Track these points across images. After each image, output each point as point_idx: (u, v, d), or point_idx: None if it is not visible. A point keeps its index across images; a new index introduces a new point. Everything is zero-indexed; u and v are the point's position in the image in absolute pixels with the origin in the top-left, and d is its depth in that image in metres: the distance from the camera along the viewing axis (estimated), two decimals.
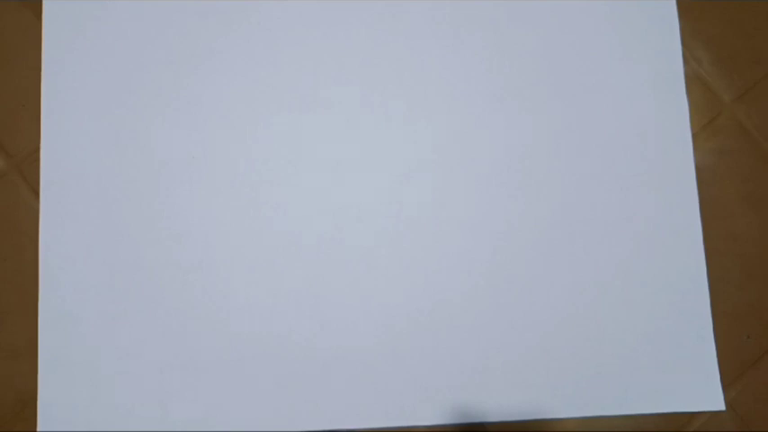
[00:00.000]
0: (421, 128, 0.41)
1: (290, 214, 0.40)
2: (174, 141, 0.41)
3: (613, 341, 0.39)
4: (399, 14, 0.42)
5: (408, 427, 0.39)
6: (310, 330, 0.39)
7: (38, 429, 0.38)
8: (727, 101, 0.43)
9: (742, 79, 0.43)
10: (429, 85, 0.41)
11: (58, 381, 0.39)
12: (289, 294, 0.39)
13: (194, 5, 0.42)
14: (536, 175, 0.41)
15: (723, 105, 0.43)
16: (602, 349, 0.39)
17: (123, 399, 0.38)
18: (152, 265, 0.39)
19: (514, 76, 0.42)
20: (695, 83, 0.42)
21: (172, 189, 0.40)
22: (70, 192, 0.40)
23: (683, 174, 0.41)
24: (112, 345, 0.39)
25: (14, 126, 0.41)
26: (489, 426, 0.39)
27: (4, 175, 0.41)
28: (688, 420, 0.39)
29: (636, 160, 0.41)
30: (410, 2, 0.42)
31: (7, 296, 0.40)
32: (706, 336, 0.40)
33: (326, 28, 0.42)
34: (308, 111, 0.41)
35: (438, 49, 0.42)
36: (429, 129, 0.41)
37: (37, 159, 0.41)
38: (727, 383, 0.40)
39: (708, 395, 0.39)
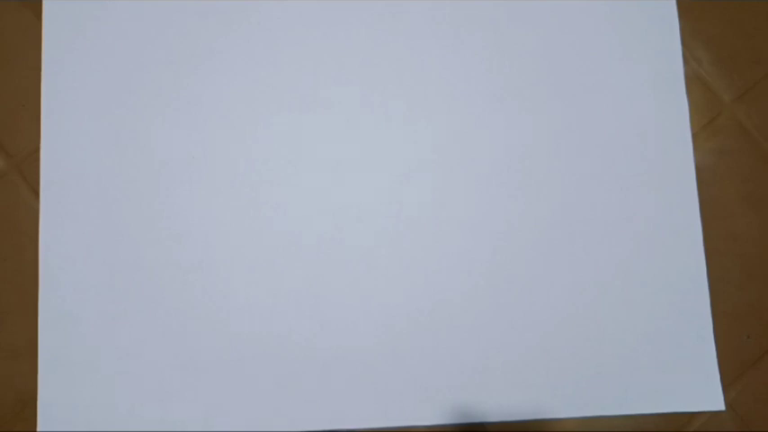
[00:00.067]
0: (421, 128, 0.41)
1: (290, 214, 0.40)
2: (174, 141, 0.41)
3: (613, 341, 0.39)
4: (399, 14, 0.42)
5: (408, 427, 0.39)
6: (310, 330, 0.39)
7: (38, 429, 0.38)
8: (727, 101, 0.43)
9: (742, 79, 0.43)
10: (429, 85, 0.41)
11: (58, 381, 0.39)
12: (289, 294, 0.39)
13: (194, 5, 0.42)
14: (536, 175, 0.41)
15: (723, 105, 0.43)
16: (602, 349, 0.39)
17: (123, 399, 0.38)
18: (152, 265, 0.39)
19: (514, 76, 0.42)
20: (695, 83, 0.42)
21: (172, 189, 0.40)
22: (70, 192, 0.40)
23: (683, 174, 0.41)
24: (112, 345, 0.39)
25: (14, 126, 0.41)
26: (489, 426, 0.39)
27: (4, 175, 0.41)
28: (688, 420, 0.39)
29: (636, 160, 0.41)
30: (410, 2, 0.42)
31: (7, 296, 0.40)
32: (706, 336, 0.40)
33: (326, 28, 0.42)
34: (308, 111, 0.41)
35: (438, 49, 0.42)
36: (429, 129, 0.41)
37: (37, 159, 0.41)
38: (727, 383, 0.40)
39: (708, 395, 0.39)
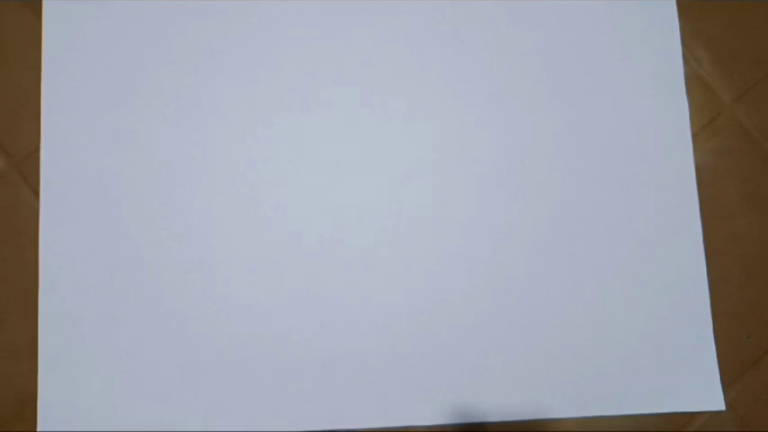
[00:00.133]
0: (421, 128, 0.41)
1: (290, 214, 0.40)
2: (174, 141, 0.41)
3: (613, 341, 0.39)
4: (399, 14, 0.42)
5: (408, 427, 0.39)
6: (310, 330, 0.39)
7: (38, 429, 0.38)
8: (727, 101, 0.43)
9: (742, 79, 0.43)
10: (429, 85, 0.41)
11: (58, 381, 0.39)
12: (289, 294, 0.39)
13: (194, 5, 0.42)
14: (536, 175, 0.41)
15: (723, 105, 0.43)
16: (602, 349, 0.39)
17: (123, 399, 0.38)
18: (152, 265, 0.39)
19: (514, 76, 0.42)
20: (695, 83, 0.42)
21: (172, 189, 0.40)
22: (70, 192, 0.40)
23: (683, 174, 0.41)
24: (112, 345, 0.39)
25: (14, 126, 0.41)
26: (489, 426, 0.39)
27: (4, 175, 0.41)
28: (688, 420, 0.39)
29: (636, 160, 0.41)
30: (410, 2, 0.42)
31: (7, 296, 0.40)
32: (706, 336, 0.40)
33: (326, 28, 0.42)
34: (308, 111, 0.41)
35: (438, 49, 0.42)
36: (429, 129, 0.41)
37: (37, 159, 0.41)
38: (727, 383, 0.40)
39: (708, 395, 0.39)
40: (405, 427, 0.39)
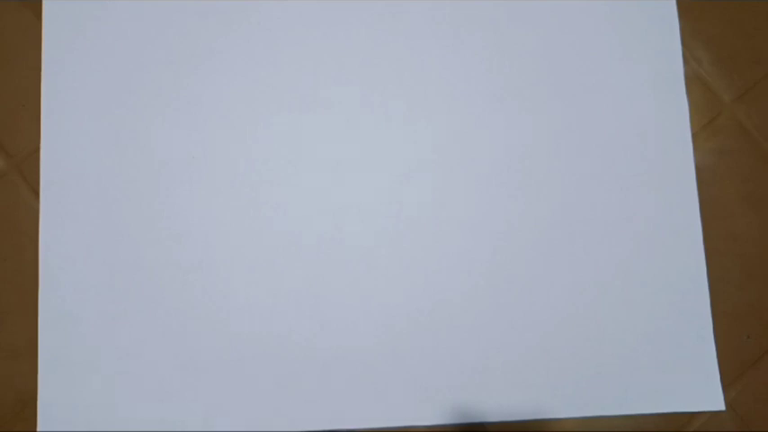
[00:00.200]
0: (421, 128, 0.41)
1: (290, 214, 0.40)
2: (174, 141, 0.41)
3: (613, 341, 0.39)
4: (399, 14, 0.42)
5: (408, 427, 0.39)
6: (310, 330, 0.39)
7: (38, 429, 0.38)
8: (727, 101, 0.43)
9: (742, 79, 0.43)
10: (429, 85, 0.41)
11: (58, 381, 0.39)
12: (289, 294, 0.39)
13: (194, 5, 0.42)
14: (536, 175, 0.41)
15: (723, 105, 0.43)
16: (602, 349, 0.39)
17: (123, 399, 0.38)
18: (152, 265, 0.39)
19: (514, 76, 0.42)
20: (695, 83, 0.42)
21: (172, 189, 0.40)
22: (70, 192, 0.40)
23: (683, 174, 0.41)
24: (112, 345, 0.39)
25: (14, 126, 0.41)
26: (489, 426, 0.39)
27: (4, 175, 0.41)
28: (688, 420, 0.39)
29: (636, 160, 0.41)
30: (410, 2, 0.42)
31: (7, 296, 0.40)
32: (706, 336, 0.40)
33: (326, 28, 0.42)
34: (308, 111, 0.41)
35: (438, 49, 0.42)
36: (429, 129, 0.41)
37: (37, 159, 0.41)
38: (727, 383, 0.40)
39: (708, 395, 0.39)
40: (405, 427, 0.39)
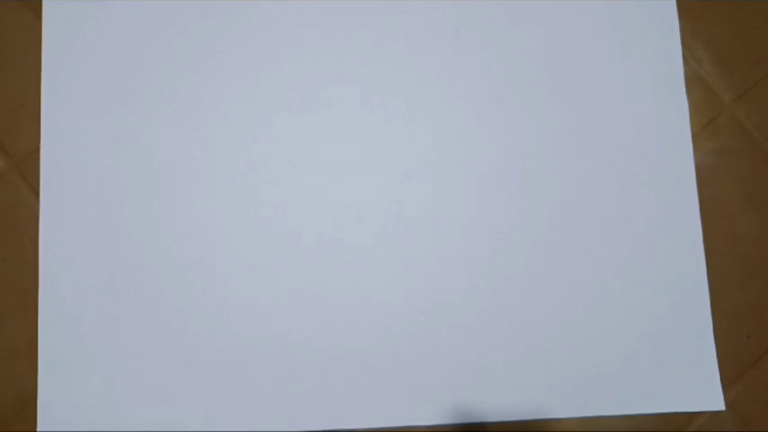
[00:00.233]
0: (421, 128, 0.41)
1: (290, 214, 0.40)
2: (174, 141, 0.41)
3: (613, 341, 0.39)
4: (399, 14, 0.42)
5: (408, 427, 0.39)
6: (310, 330, 0.39)
7: (38, 429, 0.38)
8: (727, 101, 0.43)
9: (742, 79, 0.43)
10: (429, 85, 0.41)
11: (58, 381, 0.39)
12: (289, 294, 0.39)
13: (194, 5, 0.42)
14: (536, 175, 0.41)
15: (723, 105, 0.43)
16: (602, 349, 0.39)
17: (123, 399, 0.38)
18: (152, 265, 0.39)
19: (514, 76, 0.42)
20: (695, 83, 0.42)
21: (172, 189, 0.40)
22: (70, 192, 0.40)
23: (683, 174, 0.41)
24: (112, 345, 0.39)
25: (14, 126, 0.41)
26: (489, 426, 0.39)
27: (4, 175, 0.41)
28: (688, 420, 0.39)
29: (636, 160, 0.41)
30: (410, 2, 0.42)
31: (7, 296, 0.40)
32: (706, 336, 0.40)
33: (326, 28, 0.42)
34: (308, 111, 0.41)
35: (438, 49, 0.42)
36: (429, 129, 0.41)
37: (37, 159, 0.41)
38: (727, 383, 0.40)
39: (708, 395, 0.39)
40: (405, 427, 0.39)
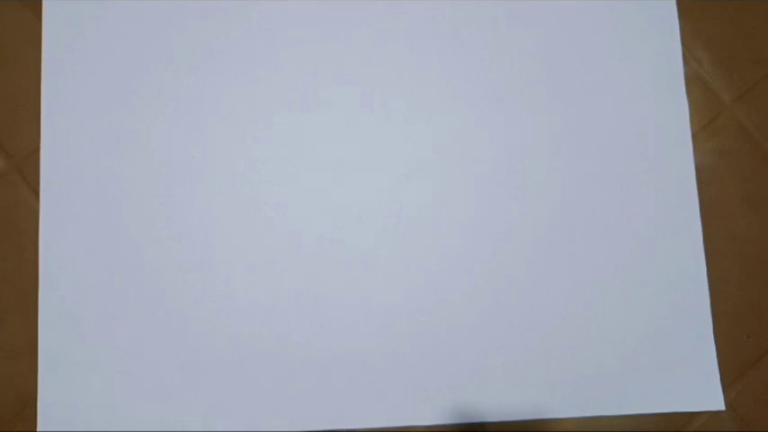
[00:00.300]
0: (421, 128, 0.41)
1: (290, 214, 0.40)
2: (174, 141, 0.41)
3: (613, 341, 0.39)
4: (399, 14, 0.42)
5: (408, 427, 0.39)
6: (310, 330, 0.39)
7: (38, 429, 0.38)
8: (727, 101, 0.43)
9: (742, 79, 0.43)
10: (429, 85, 0.41)
11: (58, 381, 0.39)
12: (289, 294, 0.39)
13: (194, 5, 0.42)
14: (536, 175, 0.41)
15: (723, 105, 0.43)
16: (602, 349, 0.39)
17: (123, 399, 0.38)
18: (152, 265, 0.39)
19: (514, 76, 0.42)
20: (695, 83, 0.42)
21: (172, 189, 0.40)
22: (70, 192, 0.40)
23: (683, 174, 0.41)
24: (112, 345, 0.39)
25: (14, 126, 0.41)
26: (489, 426, 0.39)
27: (4, 175, 0.41)
28: (688, 420, 0.39)
29: (636, 160, 0.41)
30: (410, 2, 0.42)
31: (7, 296, 0.40)
32: (706, 336, 0.40)
33: (326, 28, 0.42)
34: (308, 111, 0.41)
35: (438, 49, 0.42)
36: (429, 129, 0.41)
37: (37, 159, 0.41)
38: (727, 383, 0.40)
39: (708, 395, 0.39)
40: (405, 427, 0.39)
